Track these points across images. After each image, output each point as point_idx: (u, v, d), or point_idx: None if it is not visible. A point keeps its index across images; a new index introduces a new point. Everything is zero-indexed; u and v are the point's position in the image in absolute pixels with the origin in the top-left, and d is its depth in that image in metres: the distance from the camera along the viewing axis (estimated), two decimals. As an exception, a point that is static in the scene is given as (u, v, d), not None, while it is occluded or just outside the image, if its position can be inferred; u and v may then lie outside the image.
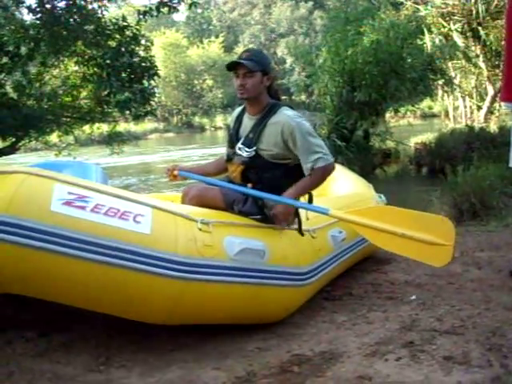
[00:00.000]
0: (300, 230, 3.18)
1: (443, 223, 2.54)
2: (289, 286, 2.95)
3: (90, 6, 9.55)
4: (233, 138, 3.23)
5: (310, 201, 3.23)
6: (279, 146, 3.03)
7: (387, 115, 12.97)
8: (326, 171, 3.05)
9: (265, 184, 3.03)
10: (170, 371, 2.48)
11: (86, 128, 11.35)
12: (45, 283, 2.35)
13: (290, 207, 3.06)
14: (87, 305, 2.51)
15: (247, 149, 3.08)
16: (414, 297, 3.46)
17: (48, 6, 8.89)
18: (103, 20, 9.74)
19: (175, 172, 3.40)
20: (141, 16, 9.75)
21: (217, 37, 47.13)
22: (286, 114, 3.06)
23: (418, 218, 2.62)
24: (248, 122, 3.18)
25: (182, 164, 3.55)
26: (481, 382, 2.26)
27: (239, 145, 3.14)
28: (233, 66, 3.07)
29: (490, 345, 2.64)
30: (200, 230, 2.62)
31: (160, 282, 2.42)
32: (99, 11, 9.77)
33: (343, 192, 4.42)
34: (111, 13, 11.54)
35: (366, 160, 10.83)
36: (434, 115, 25.20)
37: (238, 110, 3.34)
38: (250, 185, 3.08)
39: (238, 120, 3.27)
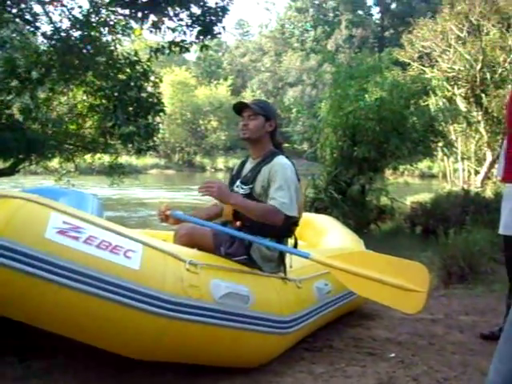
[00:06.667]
0: (285, 273, 3.25)
1: (419, 270, 2.54)
2: (270, 333, 2.97)
3: (103, 39, 9.70)
4: (233, 178, 3.41)
5: (295, 246, 3.37)
6: (264, 187, 3.16)
7: (386, 172, 13.04)
8: (276, 216, 3.07)
9: (253, 223, 3.10)
10: (145, 407, 2.51)
11: (88, 157, 11.37)
12: (31, 308, 2.37)
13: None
14: (70, 333, 2.53)
15: (243, 186, 3.23)
16: (393, 354, 3.47)
17: (63, 34, 9.03)
18: (115, 53, 9.82)
19: (167, 212, 3.31)
20: (152, 53, 9.90)
21: (226, 79, 47.66)
22: (279, 160, 3.23)
23: (394, 263, 2.61)
24: (249, 165, 3.37)
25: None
26: None
27: (237, 183, 3.31)
28: (240, 110, 3.29)
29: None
30: (188, 270, 2.66)
31: (144, 317, 2.45)
32: (112, 44, 9.91)
33: (333, 245, 4.48)
34: (124, 46, 11.62)
35: (361, 215, 10.80)
36: (432, 176, 25.30)
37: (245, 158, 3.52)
38: (238, 223, 3.18)
39: (242, 164, 3.47)
